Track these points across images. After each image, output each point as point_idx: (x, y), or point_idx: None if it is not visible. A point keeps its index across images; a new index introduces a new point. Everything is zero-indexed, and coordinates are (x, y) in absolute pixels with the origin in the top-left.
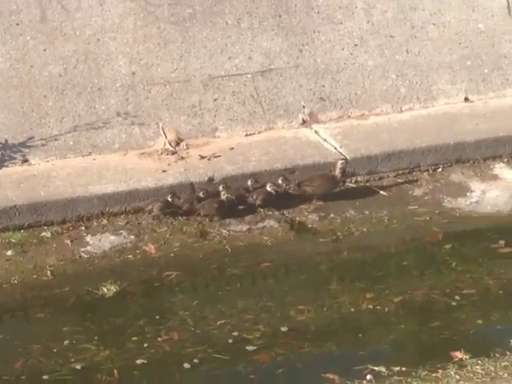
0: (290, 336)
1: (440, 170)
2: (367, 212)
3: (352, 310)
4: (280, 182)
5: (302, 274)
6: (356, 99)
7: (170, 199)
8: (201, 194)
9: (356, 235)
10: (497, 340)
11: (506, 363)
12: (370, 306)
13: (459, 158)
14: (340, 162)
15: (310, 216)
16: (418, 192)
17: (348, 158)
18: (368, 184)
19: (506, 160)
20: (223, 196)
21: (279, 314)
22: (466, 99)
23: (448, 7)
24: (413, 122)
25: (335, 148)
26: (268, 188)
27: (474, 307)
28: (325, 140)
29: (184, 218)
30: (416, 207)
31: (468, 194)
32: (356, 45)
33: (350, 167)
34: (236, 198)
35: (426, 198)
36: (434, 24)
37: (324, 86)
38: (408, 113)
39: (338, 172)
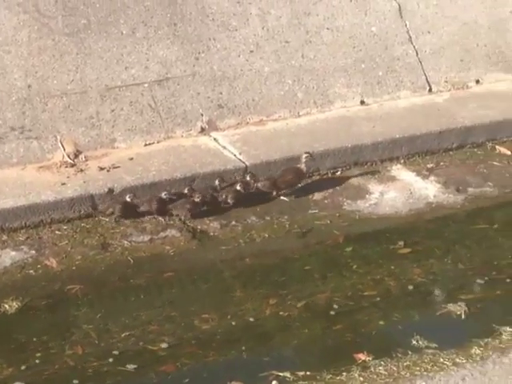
0: (195, 345)
1: (339, 173)
2: (268, 218)
3: (256, 316)
4: (248, 179)
5: (206, 283)
6: (254, 105)
7: (128, 200)
8: (163, 195)
9: (258, 241)
10: (398, 340)
11: (407, 363)
12: (274, 312)
13: (357, 160)
14: (304, 155)
15: (211, 224)
16: (317, 196)
17: (248, 164)
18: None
19: (402, 161)
20: (197, 198)
21: (184, 323)
22: (362, 102)
23: (341, 11)
24: (311, 127)
25: (234, 155)
26: (237, 187)
27: (375, 308)
28: (224, 147)
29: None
30: (316, 211)
31: (367, 196)
32: (252, 51)
33: (249, 173)
34: (208, 198)
35: (326, 201)
36: (328, 28)
37: (221, 93)
38: (306, 117)
39: (303, 165)
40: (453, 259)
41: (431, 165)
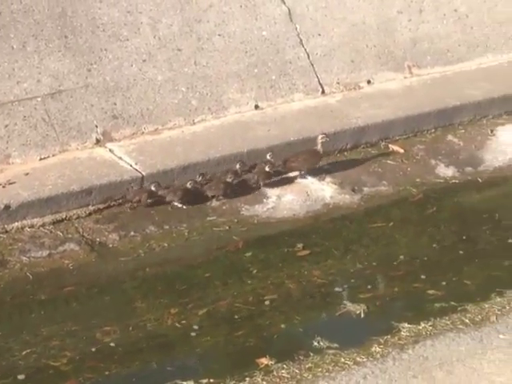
0: (98, 359)
1: None
2: (167, 227)
3: (158, 326)
4: (238, 167)
5: (106, 295)
6: (148, 114)
7: (153, 188)
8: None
9: (157, 251)
10: (300, 342)
11: (309, 365)
12: (176, 321)
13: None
14: (320, 136)
15: (110, 236)
16: (215, 202)
17: (144, 174)
18: (166, 198)
19: None
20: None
21: (85, 337)
22: (257, 107)
23: (232, 17)
24: (206, 133)
25: (131, 165)
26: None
27: (276, 312)
28: (120, 158)
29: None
30: (215, 218)
31: (264, 200)
32: (144, 60)
33: (147, 183)
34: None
35: (224, 207)
36: (219, 35)
37: (115, 104)
38: (201, 124)
39: (319, 147)
40: (351, 259)
41: (327, 166)
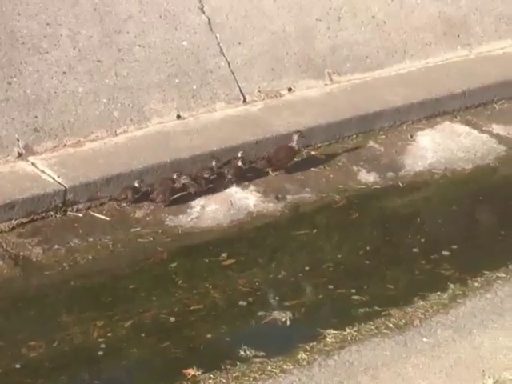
0: (23, 374)
1: None
2: (91, 239)
3: (84, 339)
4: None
5: (31, 310)
6: (70, 127)
7: (136, 185)
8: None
9: (82, 264)
10: (227, 352)
11: (236, 374)
12: (102, 334)
13: None
14: (295, 134)
15: (34, 250)
16: (139, 214)
17: (67, 187)
18: (90, 211)
19: None
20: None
21: (10, 353)
22: (179, 116)
23: (152, 27)
24: (129, 144)
25: (53, 178)
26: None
27: (202, 322)
28: (42, 171)
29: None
30: (139, 229)
31: (188, 210)
32: (65, 72)
33: (70, 196)
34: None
35: (148, 218)
36: (139, 45)
37: (37, 117)
38: (123, 135)
39: (295, 143)
40: (276, 266)
41: (250, 174)
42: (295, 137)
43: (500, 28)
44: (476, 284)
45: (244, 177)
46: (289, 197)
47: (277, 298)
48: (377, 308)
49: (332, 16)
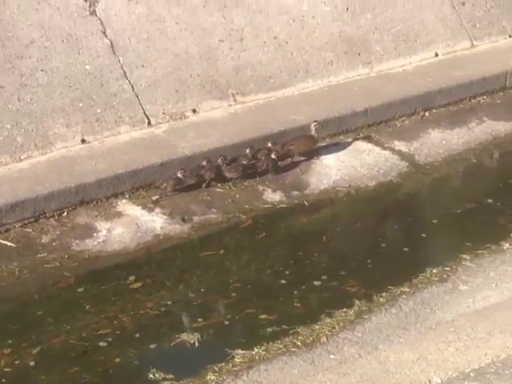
0: None
1: (65, 213)
2: None
3: None
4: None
5: None
6: None
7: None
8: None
9: None
10: (135, 375)
11: None
12: (9, 362)
13: (82, 199)
14: (313, 123)
15: None
16: (45, 239)
17: None
18: None
19: (127, 196)
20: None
21: None
22: (83, 141)
23: (54, 52)
24: (33, 170)
25: None
26: (273, 155)
27: (111, 347)
28: None
29: None
30: (45, 254)
31: (95, 234)
32: None
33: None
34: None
35: (54, 243)
36: (42, 70)
37: None
38: (27, 161)
39: (313, 132)
40: (184, 288)
41: (156, 197)
42: (313, 126)
43: (399, 46)
44: (381, 299)
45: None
46: (195, 218)
47: (185, 320)
48: (284, 326)
49: (234, 37)
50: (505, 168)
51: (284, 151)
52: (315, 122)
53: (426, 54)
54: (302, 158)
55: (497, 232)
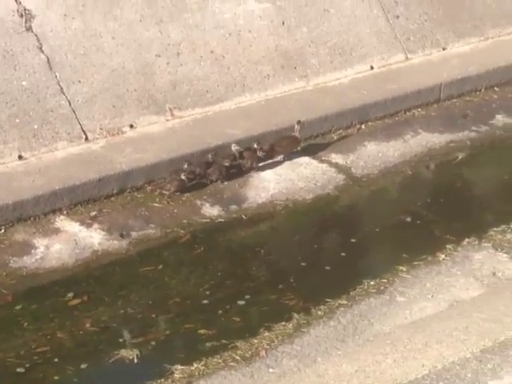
0: None
1: (3, 231)
2: None
3: None
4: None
5: None
6: None
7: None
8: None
9: None
10: None
11: None
12: None
13: (20, 216)
14: (296, 125)
15: None
16: None
17: None
18: None
19: (65, 212)
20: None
21: None
22: (20, 157)
23: None
24: None
25: None
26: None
27: (49, 364)
28: None
29: None
30: None
31: (33, 251)
32: None
33: None
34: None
35: None
36: None
37: None
38: None
39: (297, 133)
40: (122, 304)
41: (94, 213)
42: (297, 126)
43: (335, 59)
44: (319, 312)
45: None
46: (133, 233)
47: (124, 336)
48: (223, 341)
49: (171, 52)
50: (440, 180)
51: (270, 152)
52: (298, 122)
53: (361, 67)
54: (281, 158)
55: (432, 243)
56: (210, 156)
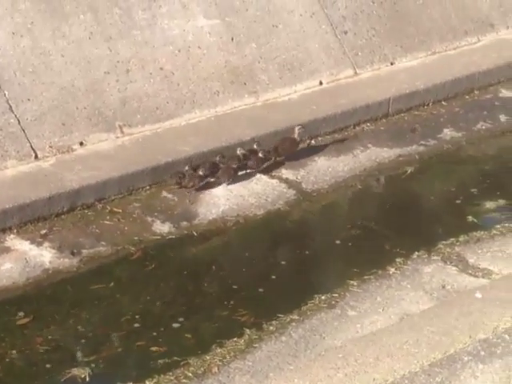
0: None
1: None
2: None
3: None
4: (255, 147)
5: None
6: None
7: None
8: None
9: None
10: None
11: None
12: None
13: None
14: (297, 127)
15: None
16: None
17: None
18: None
19: (15, 231)
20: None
21: None
22: None
23: None
24: None
25: None
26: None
27: None
28: None
29: None
30: None
31: None
32: None
33: None
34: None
35: None
36: None
37: None
38: None
39: (297, 135)
40: (74, 322)
41: (44, 231)
42: (297, 129)
43: (284, 75)
44: (271, 328)
45: None
46: (84, 251)
47: (76, 354)
48: (175, 358)
49: (120, 69)
50: (389, 194)
51: (273, 153)
52: (299, 125)
53: (310, 82)
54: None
55: (383, 257)
56: (217, 159)
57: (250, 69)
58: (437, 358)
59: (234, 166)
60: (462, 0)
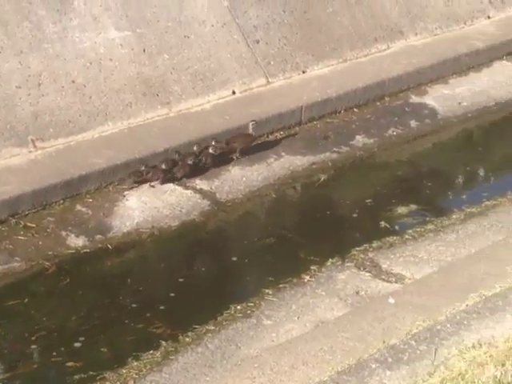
0: None
1: None
2: None
3: None
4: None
5: None
6: None
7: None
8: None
9: None
10: None
11: None
12: None
13: None
14: (251, 123)
15: None
16: None
17: None
18: None
19: None
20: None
21: None
22: None
23: None
24: None
25: None
26: (210, 150)
27: None
28: None
29: None
30: None
31: None
32: None
33: None
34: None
35: None
36: None
37: None
38: None
39: (251, 131)
40: None
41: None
42: (251, 125)
43: (197, 85)
44: (187, 339)
45: None
46: None
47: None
48: (91, 373)
49: (32, 82)
50: (303, 202)
51: (227, 148)
52: (253, 121)
53: (223, 92)
54: (239, 155)
55: (297, 265)
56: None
57: (163, 80)
58: (351, 364)
59: (190, 162)
60: (371, 8)
